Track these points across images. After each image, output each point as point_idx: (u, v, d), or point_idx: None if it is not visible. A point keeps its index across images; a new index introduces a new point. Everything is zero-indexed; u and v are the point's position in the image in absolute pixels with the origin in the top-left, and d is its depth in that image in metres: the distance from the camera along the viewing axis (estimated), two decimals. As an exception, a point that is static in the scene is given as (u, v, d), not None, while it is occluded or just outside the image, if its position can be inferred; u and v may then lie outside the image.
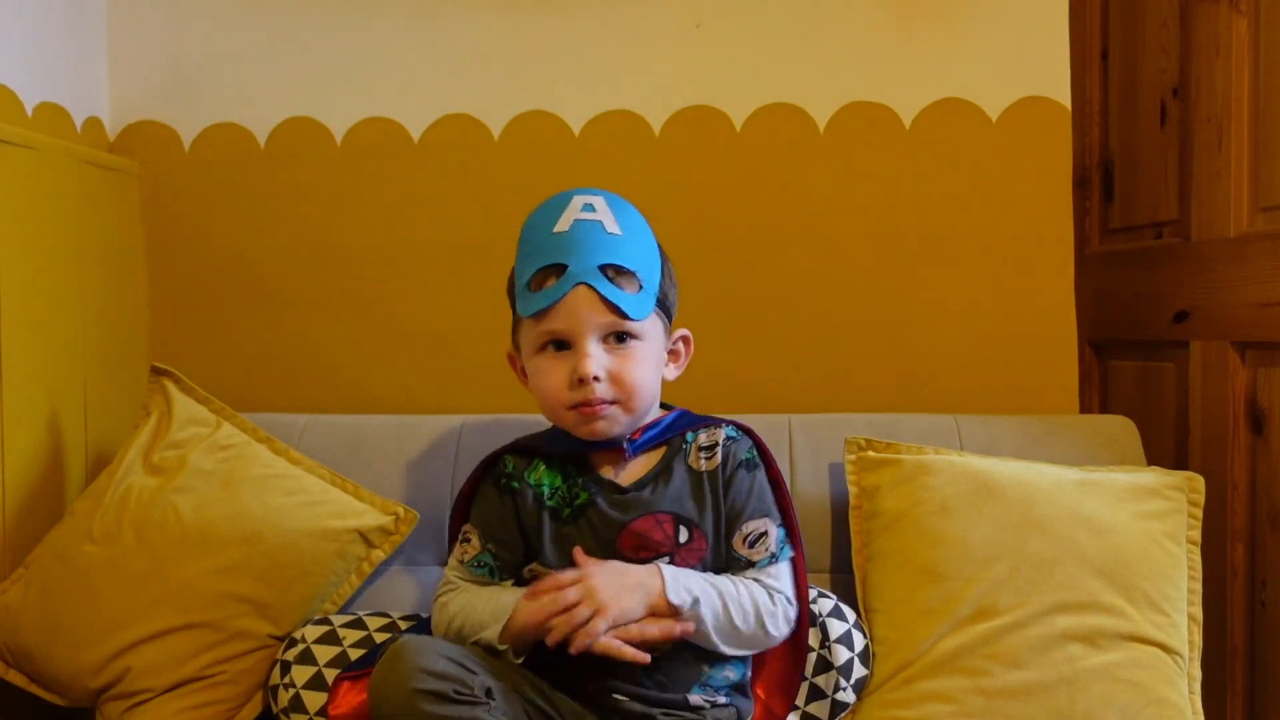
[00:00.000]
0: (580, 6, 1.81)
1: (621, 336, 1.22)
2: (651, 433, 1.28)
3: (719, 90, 1.80)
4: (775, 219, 1.80)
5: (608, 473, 1.27)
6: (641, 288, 1.22)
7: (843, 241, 1.80)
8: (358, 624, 1.42)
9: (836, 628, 1.37)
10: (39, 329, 1.56)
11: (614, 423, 1.23)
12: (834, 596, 1.42)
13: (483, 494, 1.30)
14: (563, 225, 1.20)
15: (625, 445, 1.26)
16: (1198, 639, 1.39)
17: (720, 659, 1.25)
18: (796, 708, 1.33)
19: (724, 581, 1.24)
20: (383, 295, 1.84)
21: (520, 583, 1.29)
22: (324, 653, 1.38)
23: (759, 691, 1.32)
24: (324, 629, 1.41)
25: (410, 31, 1.82)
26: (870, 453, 1.49)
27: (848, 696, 1.34)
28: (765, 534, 1.26)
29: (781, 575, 1.27)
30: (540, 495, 1.27)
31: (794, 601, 1.28)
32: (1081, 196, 1.83)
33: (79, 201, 1.67)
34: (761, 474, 1.29)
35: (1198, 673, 1.38)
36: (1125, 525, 1.40)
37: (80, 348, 1.66)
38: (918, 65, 1.78)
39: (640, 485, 1.26)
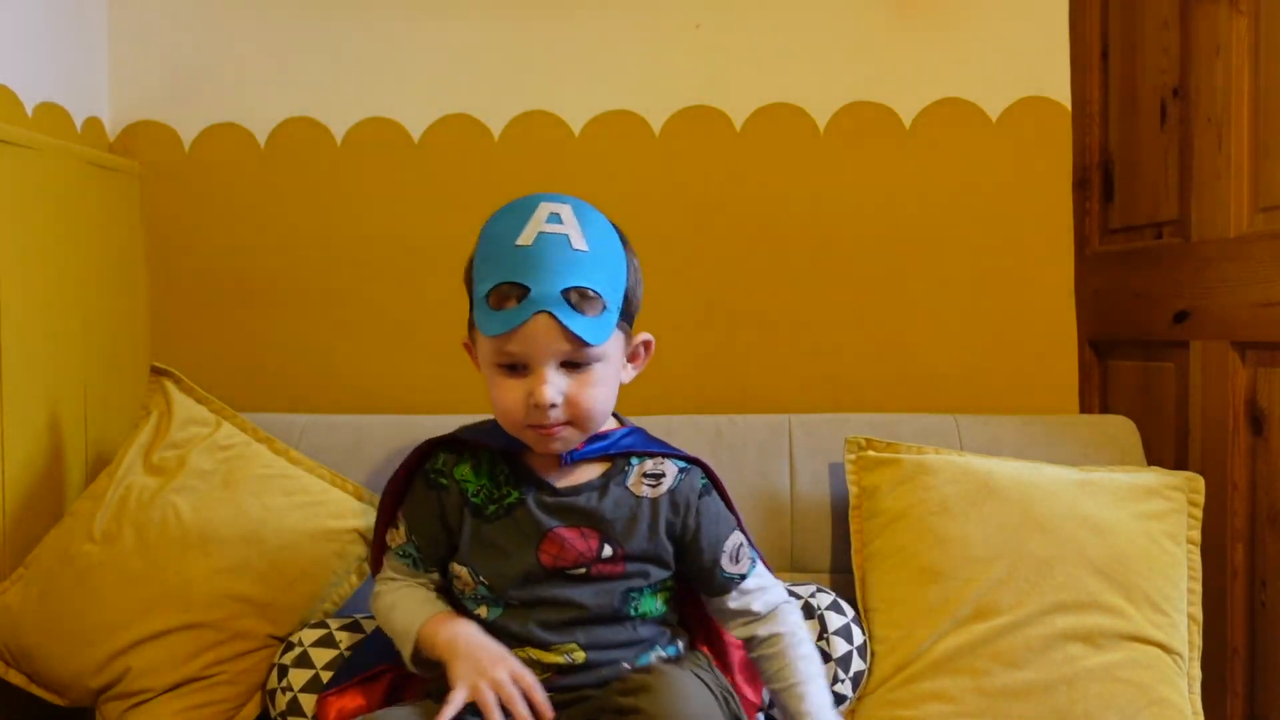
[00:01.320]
0: (580, 6, 1.81)
1: (578, 363, 1.17)
2: (594, 446, 1.24)
3: (719, 90, 1.80)
4: (775, 219, 1.80)
5: (543, 472, 1.24)
6: (605, 309, 1.16)
7: (843, 241, 1.80)
8: (354, 627, 1.42)
9: (835, 620, 1.37)
10: (39, 329, 1.56)
11: (568, 441, 1.20)
12: (832, 593, 1.42)
13: (413, 488, 1.28)
14: (526, 238, 1.13)
15: (563, 453, 1.23)
16: (1197, 639, 1.39)
17: (651, 646, 1.24)
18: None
19: (807, 673, 1.23)
20: (383, 295, 1.84)
21: (444, 574, 1.28)
22: (321, 656, 1.38)
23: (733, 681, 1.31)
24: (321, 632, 1.41)
25: (410, 31, 1.82)
26: (870, 452, 1.49)
27: (845, 689, 1.35)
28: (741, 544, 1.26)
29: (765, 572, 1.28)
30: (465, 492, 1.24)
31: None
32: (1081, 196, 1.83)
33: (79, 201, 1.67)
34: (715, 496, 1.27)
35: (1198, 673, 1.38)
36: (1125, 525, 1.40)
37: (80, 348, 1.66)
38: (918, 65, 1.78)
39: (575, 492, 1.23)
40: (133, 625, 1.39)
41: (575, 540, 1.21)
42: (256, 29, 1.84)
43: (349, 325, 1.85)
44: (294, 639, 1.41)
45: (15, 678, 1.44)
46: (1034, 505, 1.40)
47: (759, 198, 1.80)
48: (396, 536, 1.28)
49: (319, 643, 1.39)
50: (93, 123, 1.80)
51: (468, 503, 1.24)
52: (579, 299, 1.13)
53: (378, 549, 1.32)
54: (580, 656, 1.19)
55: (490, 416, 1.30)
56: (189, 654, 1.39)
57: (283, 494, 1.48)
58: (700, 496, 1.25)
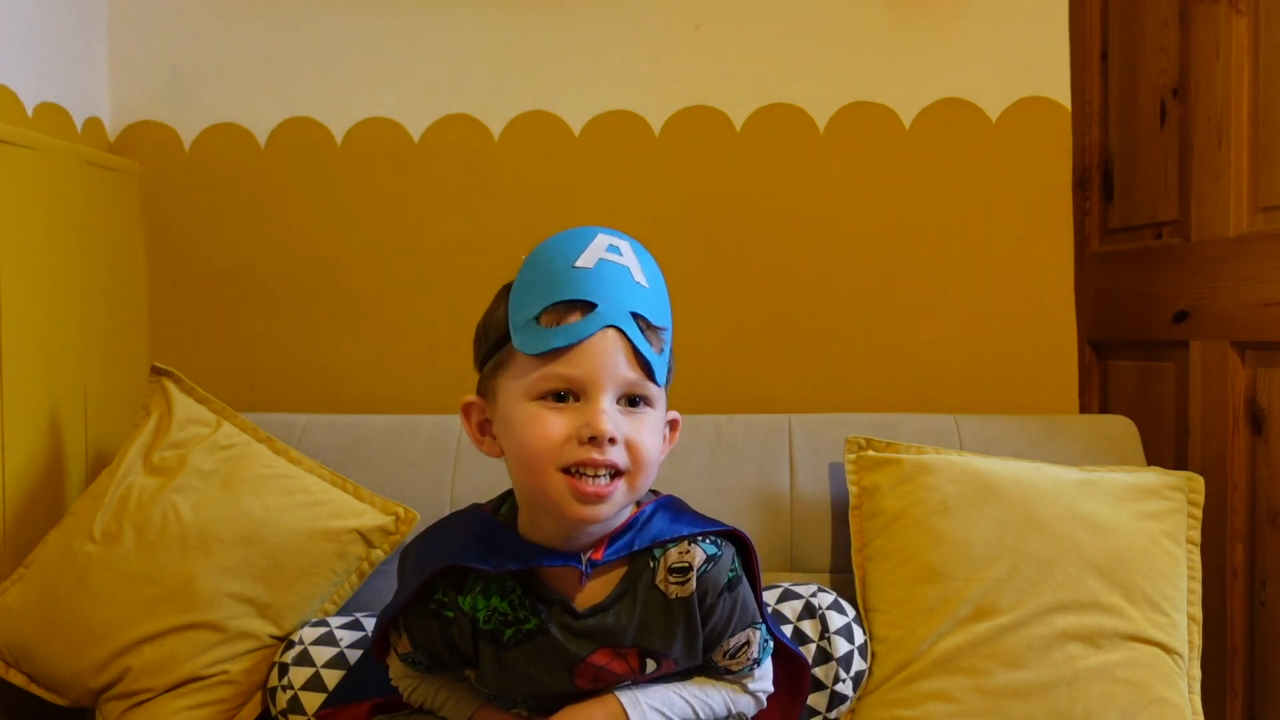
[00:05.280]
0: (580, 6, 1.81)
1: (635, 400, 1.03)
2: (615, 546, 1.08)
3: (719, 90, 1.80)
4: (775, 219, 1.80)
5: (561, 590, 1.08)
6: (664, 349, 1.05)
7: (843, 242, 1.80)
8: (355, 625, 1.42)
9: (836, 620, 1.37)
10: (39, 329, 1.56)
11: (614, 505, 1.02)
12: (833, 593, 1.42)
13: (411, 607, 1.11)
14: (587, 261, 1.01)
15: (582, 565, 1.06)
16: (1197, 639, 1.39)
17: None
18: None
19: (691, 688, 1.15)
20: (383, 295, 1.84)
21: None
22: (322, 654, 1.38)
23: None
24: (322, 630, 1.41)
25: (410, 31, 1.82)
26: (870, 452, 1.49)
27: (847, 689, 1.35)
28: (747, 644, 1.14)
29: (764, 676, 1.19)
30: (475, 620, 1.08)
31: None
32: (1081, 196, 1.83)
33: (79, 201, 1.67)
34: (744, 586, 1.12)
35: (1197, 672, 1.38)
36: (1125, 525, 1.40)
37: (80, 348, 1.66)
38: (918, 65, 1.78)
39: (600, 609, 1.08)
40: (133, 625, 1.39)
41: (613, 664, 1.09)
42: (256, 29, 1.84)
43: (349, 325, 1.85)
44: (295, 637, 1.41)
45: (15, 678, 1.44)
46: (1034, 505, 1.40)
47: (759, 198, 1.80)
48: (401, 643, 1.14)
49: (320, 640, 1.39)
50: (93, 123, 1.80)
51: (480, 632, 1.09)
52: (645, 327, 1.02)
53: (380, 639, 1.17)
54: None
55: (475, 520, 1.15)
56: (189, 654, 1.39)
57: (283, 494, 1.48)
58: (723, 592, 1.10)
